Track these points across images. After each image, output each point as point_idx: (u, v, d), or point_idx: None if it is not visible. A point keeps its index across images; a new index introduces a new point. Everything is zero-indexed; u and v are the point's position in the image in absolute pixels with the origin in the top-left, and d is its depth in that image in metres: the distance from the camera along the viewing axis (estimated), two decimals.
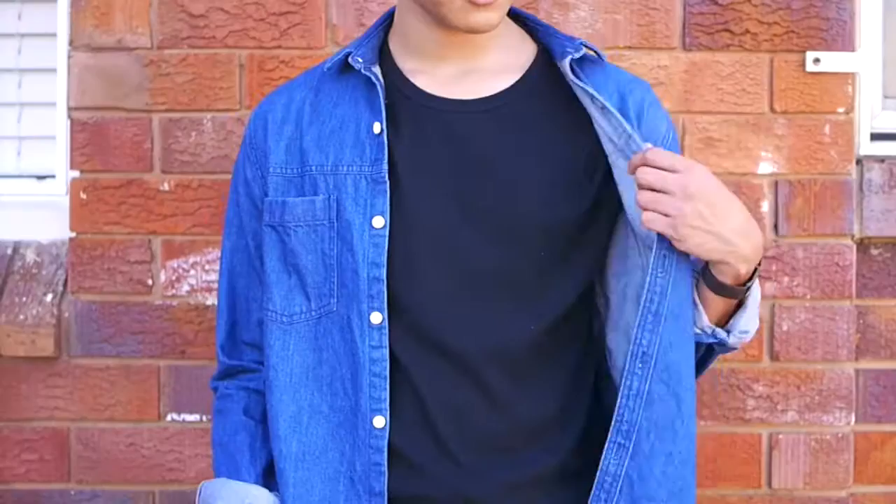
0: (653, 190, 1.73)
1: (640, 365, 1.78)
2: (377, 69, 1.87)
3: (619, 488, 1.79)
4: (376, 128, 1.83)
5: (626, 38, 2.72)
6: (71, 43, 2.75)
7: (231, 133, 2.73)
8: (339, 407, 1.84)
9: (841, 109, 2.73)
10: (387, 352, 1.80)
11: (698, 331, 1.83)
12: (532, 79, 1.88)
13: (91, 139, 2.74)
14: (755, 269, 1.80)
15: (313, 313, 1.85)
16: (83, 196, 2.75)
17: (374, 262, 1.80)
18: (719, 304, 1.82)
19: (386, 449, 1.80)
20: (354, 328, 1.81)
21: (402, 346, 1.81)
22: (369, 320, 1.80)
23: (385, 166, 1.81)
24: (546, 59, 1.90)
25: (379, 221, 1.80)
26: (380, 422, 1.80)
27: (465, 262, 1.80)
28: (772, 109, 2.73)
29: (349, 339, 1.82)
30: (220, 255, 2.11)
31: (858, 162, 2.77)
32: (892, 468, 2.80)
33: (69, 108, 2.76)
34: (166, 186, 2.74)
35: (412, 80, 1.87)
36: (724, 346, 1.88)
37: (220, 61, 2.73)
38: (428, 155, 1.83)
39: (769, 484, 2.75)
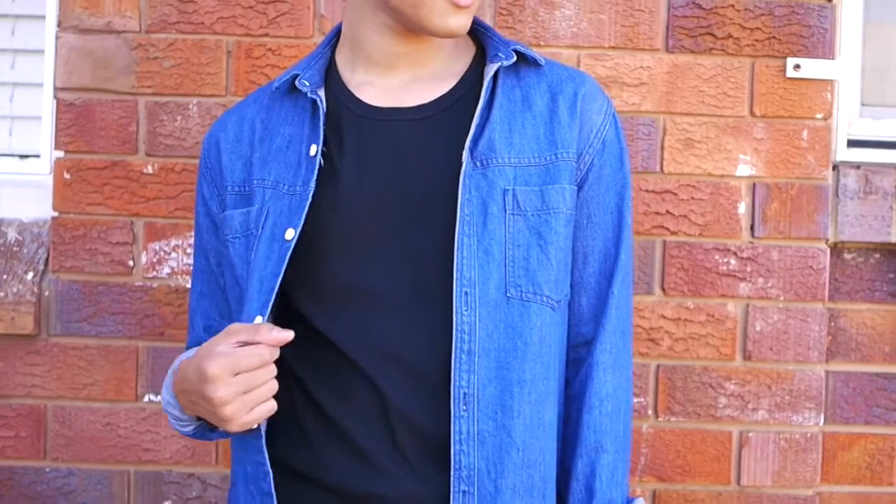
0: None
1: (464, 406, 1.77)
2: (322, 91, 1.90)
3: None
4: (312, 149, 1.86)
5: (610, 38, 2.75)
6: (59, 24, 2.76)
7: (216, 118, 2.74)
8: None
9: (819, 115, 2.77)
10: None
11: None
12: (467, 83, 1.90)
13: (77, 120, 2.76)
14: None
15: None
16: (67, 176, 2.76)
17: (273, 273, 1.82)
18: None
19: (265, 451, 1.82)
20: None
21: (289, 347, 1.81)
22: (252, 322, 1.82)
23: (312, 185, 1.83)
24: (481, 62, 1.93)
25: (290, 233, 1.82)
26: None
27: (410, 266, 1.80)
28: (752, 113, 2.76)
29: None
30: None
31: (835, 167, 2.81)
32: (858, 468, 2.85)
33: (55, 89, 2.77)
34: (150, 169, 2.76)
35: (357, 93, 1.90)
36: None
37: (207, 47, 2.75)
38: (371, 167, 1.84)
39: (738, 481, 2.79)
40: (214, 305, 2.02)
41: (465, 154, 1.81)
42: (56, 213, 2.77)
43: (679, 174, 2.76)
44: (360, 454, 1.79)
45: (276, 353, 1.74)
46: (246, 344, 1.73)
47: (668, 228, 2.76)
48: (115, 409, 2.79)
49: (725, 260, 2.77)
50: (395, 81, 1.90)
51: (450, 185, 1.81)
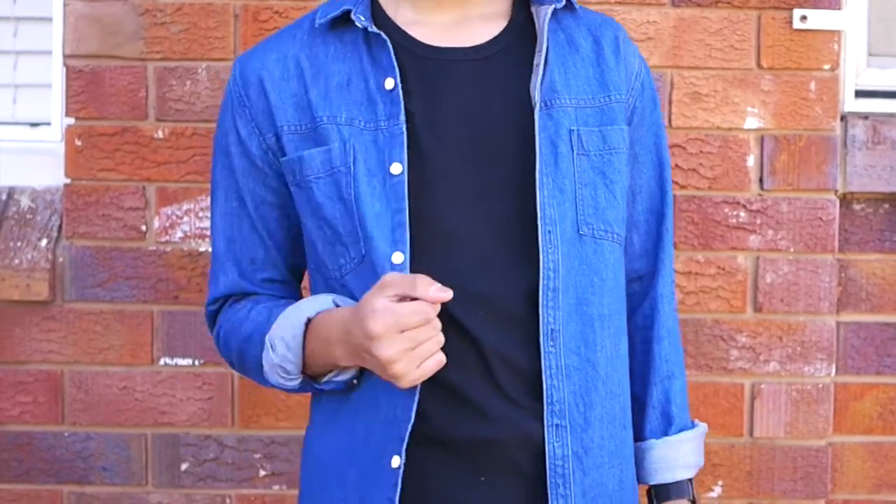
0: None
1: (552, 342, 1.79)
2: (373, 26, 1.86)
3: (571, 468, 1.80)
4: (389, 83, 1.82)
5: None
6: None
7: (225, 83, 2.75)
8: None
9: (826, 66, 2.77)
10: None
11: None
12: (517, 24, 1.91)
13: (86, 87, 2.77)
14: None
15: (355, 262, 1.81)
16: (78, 143, 2.78)
17: (395, 209, 1.79)
18: None
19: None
20: (379, 271, 1.77)
21: None
22: (391, 261, 1.78)
23: (402, 119, 1.80)
24: (523, 2, 1.93)
25: (397, 168, 1.79)
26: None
27: (486, 205, 1.81)
28: (759, 65, 2.77)
29: (374, 281, 1.76)
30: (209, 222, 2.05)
31: (843, 118, 2.81)
32: (869, 419, 2.86)
33: (65, 56, 2.78)
34: (161, 134, 2.78)
35: (409, 31, 1.88)
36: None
37: (214, 11, 2.76)
38: (439, 105, 1.83)
39: (750, 433, 2.81)
40: (247, 250, 1.93)
41: (538, 94, 1.83)
42: (68, 180, 2.79)
43: (687, 128, 2.76)
44: (465, 401, 1.79)
45: (438, 308, 1.70)
46: (403, 298, 1.69)
47: (677, 182, 2.76)
48: (131, 373, 2.81)
49: (735, 213, 2.77)
50: (444, 20, 1.89)
51: (518, 125, 1.83)
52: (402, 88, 1.83)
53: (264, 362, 1.84)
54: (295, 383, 1.85)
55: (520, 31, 1.90)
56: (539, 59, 1.85)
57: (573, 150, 1.84)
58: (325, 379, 1.83)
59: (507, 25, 1.90)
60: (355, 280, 1.81)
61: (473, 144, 1.82)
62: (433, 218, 1.80)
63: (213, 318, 2.01)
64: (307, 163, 1.83)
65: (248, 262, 1.94)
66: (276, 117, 1.86)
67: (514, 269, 1.80)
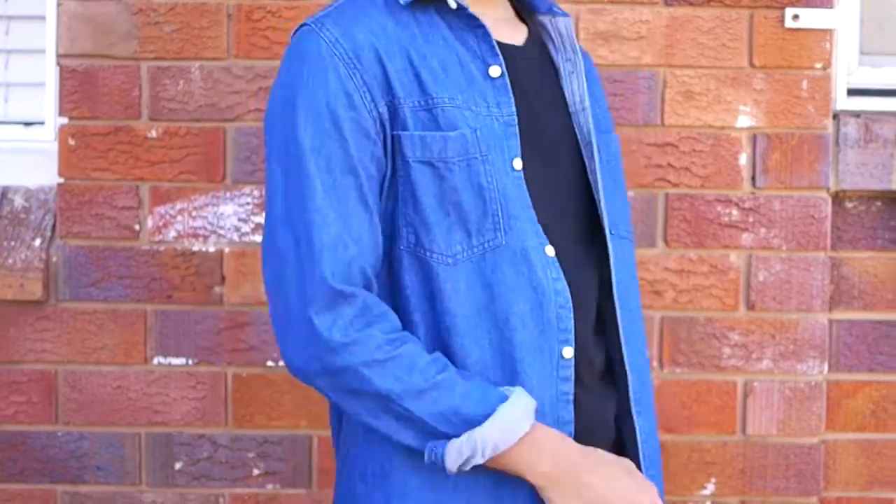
0: None
1: (625, 338, 1.88)
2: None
3: (651, 447, 1.91)
4: (494, 71, 1.79)
5: None
6: None
7: (218, 82, 2.76)
8: (519, 343, 1.76)
9: (818, 65, 2.77)
10: (565, 283, 1.79)
11: None
12: (534, 29, 1.93)
13: (80, 86, 2.77)
14: None
15: (475, 250, 1.75)
16: (71, 142, 2.78)
17: (525, 204, 1.78)
18: None
19: (573, 378, 1.80)
20: (535, 262, 1.76)
21: None
22: (545, 253, 1.78)
23: (513, 109, 1.79)
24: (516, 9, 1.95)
25: (518, 163, 1.78)
26: (569, 352, 1.78)
27: (562, 202, 1.84)
28: (751, 64, 2.77)
29: (525, 272, 1.76)
30: (282, 196, 1.75)
31: (835, 117, 2.82)
32: (862, 416, 2.87)
33: (58, 56, 2.78)
34: (154, 134, 2.78)
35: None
36: None
37: (208, 10, 2.76)
38: (526, 98, 1.83)
39: (743, 431, 2.81)
40: (353, 230, 1.73)
41: (587, 98, 1.88)
42: (62, 180, 2.79)
43: (680, 126, 2.77)
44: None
45: None
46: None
47: (669, 181, 2.77)
48: (124, 372, 2.81)
49: (727, 211, 2.78)
50: (496, 16, 1.88)
51: (565, 125, 1.87)
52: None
53: (454, 449, 1.70)
54: (460, 467, 1.73)
55: (537, 37, 1.92)
56: (574, 67, 1.88)
57: (601, 154, 1.88)
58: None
59: (530, 29, 1.92)
60: (471, 267, 1.75)
61: (538, 143, 1.83)
62: (549, 212, 1.83)
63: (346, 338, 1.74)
64: (441, 144, 1.75)
65: (354, 242, 1.73)
66: (394, 88, 1.74)
67: (587, 265, 1.85)
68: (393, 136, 1.75)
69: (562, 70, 1.89)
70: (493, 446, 1.69)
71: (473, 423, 1.69)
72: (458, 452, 1.69)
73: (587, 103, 1.88)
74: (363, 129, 1.73)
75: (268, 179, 1.76)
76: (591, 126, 1.87)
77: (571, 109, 1.88)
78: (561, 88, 1.89)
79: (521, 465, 1.71)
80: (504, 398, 1.71)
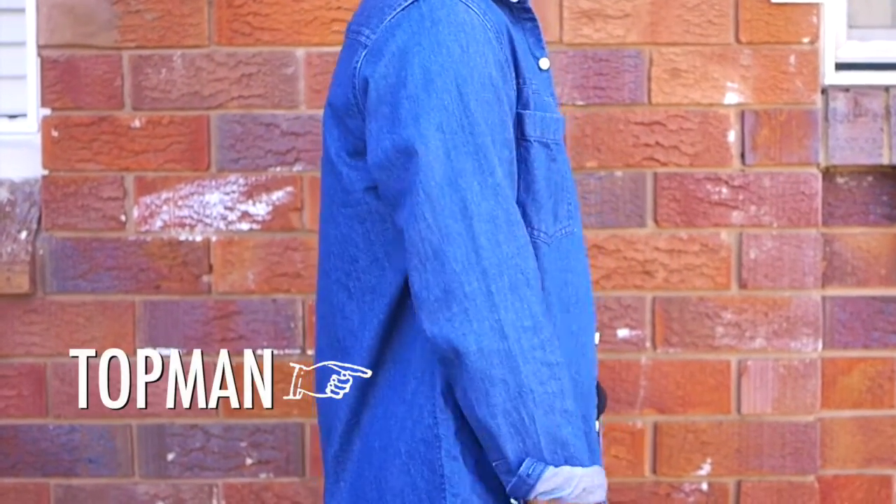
0: None
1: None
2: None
3: None
4: (544, 63, 1.79)
5: None
6: None
7: (200, 70, 2.74)
8: (576, 328, 1.77)
9: (806, 40, 2.75)
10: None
11: None
12: None
13: (61, 77, 2.75)
14: None
15: (557, 234, 1.75)
16: (55, 134, 2.76)
17: (575, 192, 1.82)
18: None
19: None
20: (585, 250, 1.83)
21: None
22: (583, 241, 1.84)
23: (556, 101, 1.81)
24: None
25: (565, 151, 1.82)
26: (597, 338, 1.85)
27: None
28: (737, 40, 2.75)
29: (583, 261, 1.80)
30: (449, 181, 1.64)
31: (824, 91, 2.80)
32: (858, 393, 2.85)
33: (39, 47, 2.76)
34: (137, 123, 2.76)
35: None
36: None
37: None
38: None
39: (738, 410, 2.80)
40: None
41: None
42: (46, 172, 2.77)
43: (667, 105, 2.75)
44: None
45: None
46: None
47: (658, 160, 2.75)
48: (114, 364, 2.79)
49: (717, 189, 2.76)
50: None
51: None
52: None
53: (552, 473, 1.65)
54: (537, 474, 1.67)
55: None
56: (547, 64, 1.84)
57: None
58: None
59: None
60: (556, 251, 1.75)
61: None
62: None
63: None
64: (554, 126, 1.75)
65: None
66: (522, 68, 1.72)
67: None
68: (518, 115, 1.71)
69: None
70: (583, 489, 1.64)
71: (573, 462, 1.65)
72: (553, 478, 1.64)
73: None
74: (512, 102, 1.70)
75: (418, 144, 1.63)
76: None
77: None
78: None
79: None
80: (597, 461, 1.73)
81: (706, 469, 2.81)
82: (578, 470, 1.64)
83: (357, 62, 1.70)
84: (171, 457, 2.80)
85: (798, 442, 2.80)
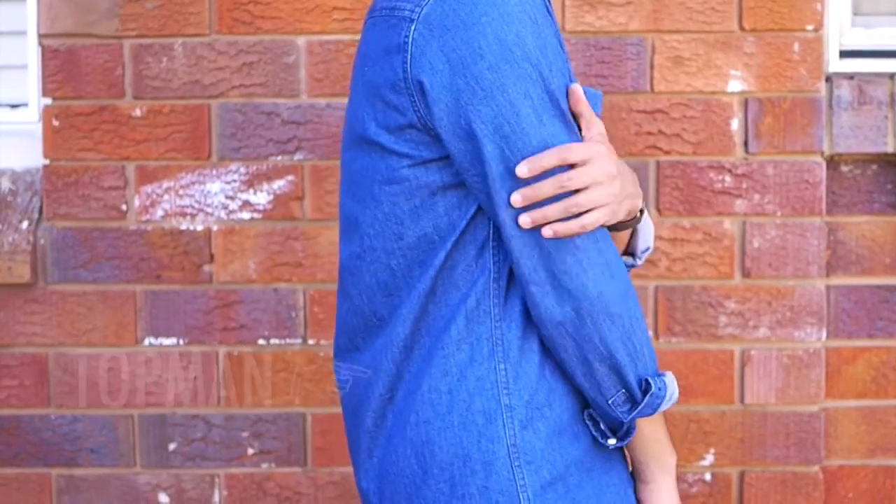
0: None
1: None
2: None
3: None
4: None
5: None
6: None
7: (201, 58, 2.73)
8: None
9: (810, 27, 2.73)
10: None
11: None
12: None
13: (62, 66, 2.75)
14: None
15: None
16: (56, 123, 2.76)
17: None
18: (624, 236, 1.80)
19: None
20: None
21: None
22: None
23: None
24: None
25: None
26: None
27: None
28: (741, 27, 2.73)
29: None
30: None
31: (828, 79, 2.78)
32: (862, 383, 2.83)
33: (40, 36, 2.76)
34: (138, 112, 2.75)
35: None
36: (630, 268, 1.87)
37: None
38: None
39: (742, 400, 2.78)
40: None
41: None
42: (47, 161, 2.77)
43: (670, 93, 2.73)
44: None
45: None
46: None
47: (660, 148, 2.73)
48: (116, 353, 2.79)
49: (720, 177, 2.74)
50: None
51: None
52: None
53: (671, 381, 1.71)
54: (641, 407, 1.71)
55: None
56: None
57: None
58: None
59: None
60: None
61: None
62: None
63: None
64: (592, 103, 1.74)
65: None
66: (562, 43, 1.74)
67: None
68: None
69: None
70: (673, 392, 1.70)
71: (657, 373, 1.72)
72: (671, 383, 1.70)
73: None
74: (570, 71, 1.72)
75: (508, 113, 1.64)
76: None
77: None
78: None
79: (664, 433, 1.75)
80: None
81: (709, 459, 2.79)
82: (668, 373, 1.72)
83: (406, 36, 1.68)
84: (172, 447, 2.80)
85: (802, 432, 2.78)
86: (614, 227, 1.75)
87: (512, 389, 1.70)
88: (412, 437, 1.72)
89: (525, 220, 1.62)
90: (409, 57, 1.67)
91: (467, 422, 1.70)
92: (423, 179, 1.71)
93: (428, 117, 1.67)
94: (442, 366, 1.71)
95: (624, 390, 1.69)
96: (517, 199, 1.62)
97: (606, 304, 1.66)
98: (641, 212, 1.78)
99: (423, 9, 1.67)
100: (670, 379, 1.70)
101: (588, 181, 1.62)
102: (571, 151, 1.61)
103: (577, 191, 1.62)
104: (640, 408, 1.69)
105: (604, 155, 1.64)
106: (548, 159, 1.61)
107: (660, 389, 1.68)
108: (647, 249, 1.83)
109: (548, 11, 1.71)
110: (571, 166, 1.62)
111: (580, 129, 1.68)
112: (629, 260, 1.82)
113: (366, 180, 1.76)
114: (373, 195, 1.75)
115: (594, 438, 1.72)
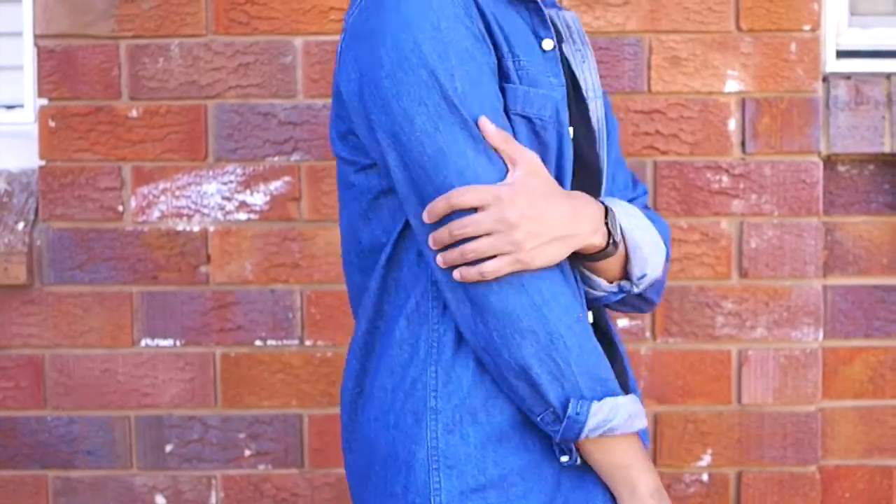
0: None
1: None
2: None
3: None
4: (547, 44, 1.73)
5: None
6: None
7: (198, 59, 2.73)
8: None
9: (807, 27, 2.73)
10: None
11: (604, 293, 1.77)
12: None
13: (58, 67, 2.74)
14: (607, 226, 1.71)
15: None
16: (52, 124, 2.75)
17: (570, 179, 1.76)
18: (608, 264, 1.76)
19: None
20: None
21: None
22: None
23: (563, 81, 1.73)
24: None
25: (572, 132, 1.75)
26: (590, 316, 1.78)
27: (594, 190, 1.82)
28: (738, 28, 2.73)
29: None
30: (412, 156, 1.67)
31: (825, 79, 2.78)
32: (859, 383, 2.83)
33: (35, 37, 2.75)
34: (135, 113, 2.75)
35: None
36: (640, 297, 1.84)
37: None
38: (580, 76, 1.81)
39: (739, 400, 2.78)
40: None
41: (599, 88, 1.84)
42: (43, 162, 2.76)
43: (667, 93, 2.73)
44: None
45: None
46: None
47: (658, 148, 2.73)
48: (112, 355, 2.79)
49: (717, 177, 2.74)
50: None
51: (583, 112, 1.80)
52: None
53: (597, 408, 1.65)
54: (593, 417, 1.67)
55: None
56: (585, 57, 1.82)
57: (609, 139, 1.87)
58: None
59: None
60: None
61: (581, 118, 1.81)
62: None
63: None
64: (541, 102, 1.74)
65: None
66: (496, 39, 1.71)
67: None
68: (500, 88, 1.69)
69: (572, 60, 1.82)
70: (629, 416, 1.64)
71: (612, 394, 1.65)
72: (600, 412, 1.63)
73: (599, 92, 1.84)
74: (494, 73, 1.68)
75: (403, 122, 1.64)
76: (602, 114, 1.83)
77: (585, 97, 1.82)
78: (574, 77, 1.82)
79: (632, 459, 1.68)
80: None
81: (706, 460, 2.79)
82: (621, 398, 1.65)
83: (340, 45, 1.72)
84: (169, 448, 2.79)
85: (799, 432, 2.79)
86: (588, 258, 1.72)
87: (440, 392, 1.68)
88: (364, 434, 1.75)
89: (440, 260, 1.63)
90: (338, 66, 1.72)
91: (399, 421, 1.70)
92: (366, 184, 1.72)
93: (352, 125, 1.70)
94: (388, 365, 1.72)
95: (552, 409, 1.64)
96: (431, 242, 1.63)
97: (514, 319, 1.62)
98: (615, 244, 1.72)
99: (350, 18, 1.71)
100: (611, 405, 1.63)
101: (479, 230, 1.60)
102: (462, 197, 1.60)
103: (475, 237, 1.60)
104: (559, 430, 1.64)
105: (504, 200, 1.60)
106: (440, 206, 1.61)
107: (578, 414, 1.62)
108: (644, 276, 1.77)
109: (468, 15, 1.66)
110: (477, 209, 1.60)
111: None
112: (626, 286, 1.77)
113: (339, 185, 1.80)
114: (342, 200, 1.79)
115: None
